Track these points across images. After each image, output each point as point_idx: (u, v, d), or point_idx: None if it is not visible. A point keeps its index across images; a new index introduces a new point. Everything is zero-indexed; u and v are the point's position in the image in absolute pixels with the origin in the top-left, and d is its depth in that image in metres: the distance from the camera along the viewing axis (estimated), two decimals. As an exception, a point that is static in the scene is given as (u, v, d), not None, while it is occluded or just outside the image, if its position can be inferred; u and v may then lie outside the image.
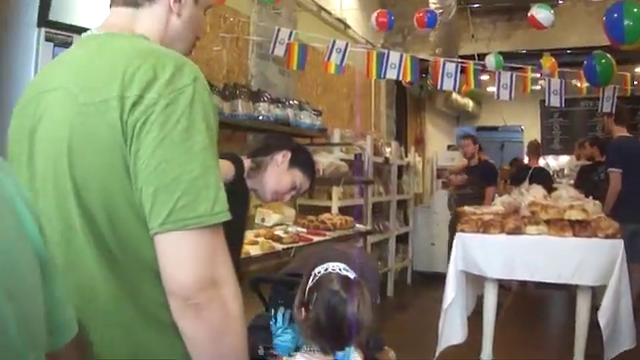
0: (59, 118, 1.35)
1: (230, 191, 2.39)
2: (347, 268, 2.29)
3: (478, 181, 7.91)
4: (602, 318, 4.00)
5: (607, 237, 4.16)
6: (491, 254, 4.34)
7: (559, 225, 4.27)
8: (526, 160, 9.41)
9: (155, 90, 1.27)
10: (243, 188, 2.70)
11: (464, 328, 4.61)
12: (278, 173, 2.72)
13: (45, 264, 0.93)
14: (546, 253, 4.23)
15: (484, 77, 8.44)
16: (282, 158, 2.71)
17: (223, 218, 1.30)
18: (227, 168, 2.42)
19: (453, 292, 4.35)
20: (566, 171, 12.16)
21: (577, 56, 8.17)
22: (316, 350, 2.18)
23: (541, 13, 6.00)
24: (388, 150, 8.52)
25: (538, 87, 7.45)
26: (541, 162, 9.88)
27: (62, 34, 2.95)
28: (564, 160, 13.58)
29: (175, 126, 1.26)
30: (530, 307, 7.34)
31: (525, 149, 9.77)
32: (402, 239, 9.26)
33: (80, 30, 2.90)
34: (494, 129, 15.80)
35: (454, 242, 4.45)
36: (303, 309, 2.18)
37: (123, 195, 1.30)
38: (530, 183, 6.68)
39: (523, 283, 7.05)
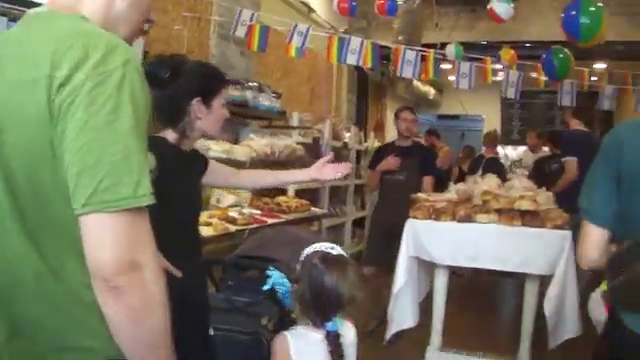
0: None
1: (167, 167, 2.40)
2: (333, 246, 2.46)
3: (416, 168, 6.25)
4: (547, 307, 4.09)
5: (556, 227, 4.22)
6: (441, 241, 4.39)
7: (509, 214, 4.33)
8: (483, 150, 9.51)
9: (84, 71, 1.26)
10: (181, 159, 2.67)
11: (415, 313, 4.67)
12: (207, 120, 2.67)
13: None
14: (495, 241, 4.30)
15: (446, 66, 8.50)
16: (197, 109, 2.63)
17: (146, 201, 1.30)
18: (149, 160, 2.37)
19: (403, 277, 4.40)
20: (524, 162, 12.35)
21: (537, 49, 8.28)
22: (310, 323, 2.39)
23: (501, 7, 6.08)
24: (347, 135, 8.54)
25: (499, 78, 7.53)
26: (500, 152, 10.05)
27: (16, 9, 2.93)
28: (522, 151, 13.81)
29: (101, 108, 1.25)
30: (482, 294, 7.45)
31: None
32: (358, 223, 9.30)
33: (33, 5, 2.88)
34: (455, 117, 15.96)
35: (405, 228, 4.49)
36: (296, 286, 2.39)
37: (49, 175, 1.30)
38: (483, 172, 6.78)
39: (477, 271, 7.13)
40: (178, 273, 2.27)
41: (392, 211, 5.62)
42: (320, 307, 2.37)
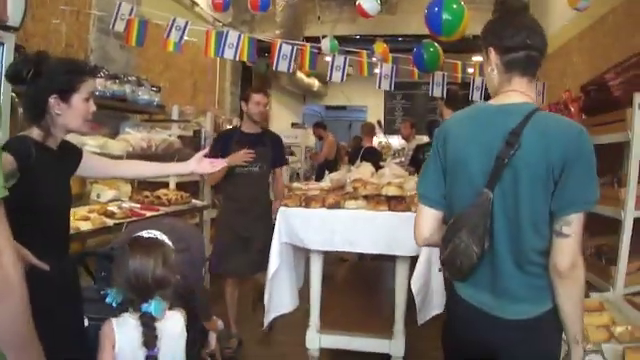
0: None
1: (32, 165, 2.48)
2: (153, 233, 2.59)
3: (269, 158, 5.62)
4: (414, 285, 4.28)
5: (420, 211, 4.47)
6: (312, 227, 4.54)
7: (376, 200, 4.55)
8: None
9: None
10: (47, 156, 2.71)
11: (293, 298, 4.80)
12: (67, 115, 2.72)
13: None
14: (363, 226, 4.49)
15: (328, 59, 8.72)
16: (56, 107, 2.69)
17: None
18: (5, 161, 2.38)
19: (276, 263, 4.51)
20: (407, 150, 12.79)
21: (413, 42, 8.64)
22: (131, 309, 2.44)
23: (367, 3, 6.33)
24: (229, 127, 8.62)
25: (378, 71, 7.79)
26: (378, 141, 10.41)
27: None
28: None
29: None
30: (363, 278, 7.64)
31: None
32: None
33: None
34: (342, 108, 16.26)
35: (277, 216, 4.62)
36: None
37: None
38: (362, 161, 7.05)
39: (361, 256, 7.35)
40: (45, 267, 2.36)
41: (247, 211, 5.38)
42: (131, 290, 2.43)
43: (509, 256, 2.22)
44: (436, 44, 6.61)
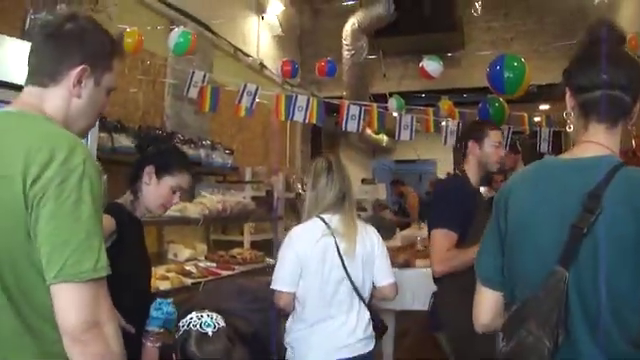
0: None
1: (124, 233, 2.66)
2: (210, 321, 2.49)
3: None
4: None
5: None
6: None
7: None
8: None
9: (52, 169, 1.58)
10: (134, 224, 2.89)
11: None
12: (152, 190, 2.88)
13: None
14: (432, 285, 4.52)
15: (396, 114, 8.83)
16: (148, 176, 2.87)
17: (104, 273, 1.63)
18: (108, 223, 2.55)
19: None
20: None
21: (478, 95, 8.68)
22: None
23: (431, 65, 6.47)
24: (300, 186, 8.79)
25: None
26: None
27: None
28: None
29: (67, 199, 1.58)
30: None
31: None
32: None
33: (2, 84, 3.10)
34: (411, 162, 16.28)
35: None
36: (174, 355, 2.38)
37: (23, 253, 1.61)
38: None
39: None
40: (131, 329, 2.47)
41: None
42: None
43: (591, 350, 1.73)
44: (501, 99, 6.66)
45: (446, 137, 6.79)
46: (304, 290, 3.23)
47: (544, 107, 11.00)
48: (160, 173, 2.87)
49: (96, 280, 1.61)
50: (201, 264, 5.42)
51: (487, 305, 2.00)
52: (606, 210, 1.69)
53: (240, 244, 6.65)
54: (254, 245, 6.68)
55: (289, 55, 9.72)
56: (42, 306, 1.62)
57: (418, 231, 5.28)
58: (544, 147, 7.30)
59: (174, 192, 2.93)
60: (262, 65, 9.40)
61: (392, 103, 7.35)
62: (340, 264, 3.21)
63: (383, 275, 3.41)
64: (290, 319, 3.35)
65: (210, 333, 2.36)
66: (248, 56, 8.94)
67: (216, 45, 7.92)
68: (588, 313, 1.72)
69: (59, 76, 1.81)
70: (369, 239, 3.37)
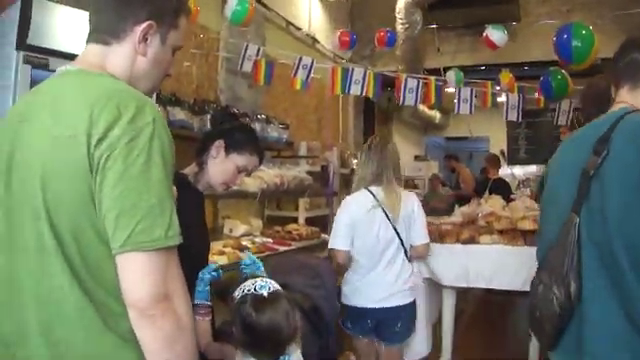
0: (34, 148, 1.53)
1: (185, 204, 2.57)
2: (264, 283, 2.29)
3: None
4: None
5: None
6: (447, 263, 4.50)
7: (511, 235, 4.48)
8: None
9: (119, 128, 1.45)
10: (194, 196, 2.81)
11: (429, 341, 4.70)
12: (218, 165, 2.79)
13: None
14: (499, 261, 4.42)
15: (450, 89, 8.65)
16: (216, 150, 2.78)
17: (176, 242, 1.50)
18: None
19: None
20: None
21: (537, 69, 8.44)
22: None
23: (495, 34, 6.27)
24: (355, 161, 8.69)
25: (501, 99, 7.64)
26: (507, 172, 10.10)
27: (39, 57, 3.11)
28: (530, 170, 13.94)
29: (135, 160, 1.45)
30: (490, 313, 7.49)
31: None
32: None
33: (56, 53, 3.08)
34: (463, 139, 16.07)
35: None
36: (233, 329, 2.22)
37: (88, 219, 1.48)
38: (490, 194, 6.92)
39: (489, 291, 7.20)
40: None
41: None
42: (263, 349, 2.18)
43: (609, 303, 1.68)
44: (563, 71, 6.44)
45: (507, 111, 6.60)
46: (358, 248, 3.85)
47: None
48: (229, 150, 2.79)
49: (167, 249, 1.48)
50: (257, 239, 5.36)
51: None
52: (612, 151, 1.75)
53: (295, 220, 6.58)
54: (308, 221, 6.60)
55: (341, 29, 9.56)
56: (107, 279, 1.50)
57: (478, 207, 5.08)
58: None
59: (239, 172, 2.84)
60: (314, 39, 9.26)
61: (451, 76, 7.17)
62: (389, 225, 3.82)
63: (419, 236, 3.94)
64: (348, 272, 3.96)
65: (266, 294, 2.17)
66: (299, 29, 8.80)
67: (268, 18, 7.80)
68: (605, 264, 1.69)
69: (123, 33, 1.68)
70: (410, 204, 3.91)
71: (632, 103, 1.92)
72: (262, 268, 2.49)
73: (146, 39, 1.70)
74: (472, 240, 4.52)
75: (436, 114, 13.79)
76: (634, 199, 1.66)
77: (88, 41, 1.72)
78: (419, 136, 15.64)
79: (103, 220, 1.46)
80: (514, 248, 4.42)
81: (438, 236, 4.60)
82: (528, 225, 4.46)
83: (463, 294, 7.43)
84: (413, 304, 3.95)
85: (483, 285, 4.56)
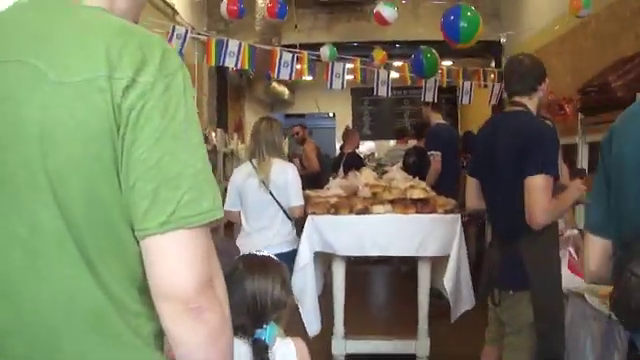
0: (23, 98, 1.13)
1: None
2: (265, 253, 2.34)
3: None
4: (447, 284, 4.35)
5: (446, 212, 4.57)
6: (343, 234, 4.56)
7: (403, 204, 4.61)
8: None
9: (149, 73, 1.12)
10: None
11: (318, 318, 4.68)
12: None
13: None
14: (393, 230, 4.55)
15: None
16: None
17: (222, 214, 1.20)
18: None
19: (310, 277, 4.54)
20: (376, 155, 12.79)
21: (396, 49, 8.80)
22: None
23: (387, 11, 6.39)
24: (214, 137, 8.58)
25: (350, 77, 7.69)
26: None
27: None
28: (373, 145, 14.49)
29: (175, 115, 1.13)
30: (361, 282, 7.56)
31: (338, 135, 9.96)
32: (228, 224, 9.30)
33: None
34: (302, 116, 16.22)
35: (307, 224, 4.57)
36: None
37: (110, 192, 1.14)
38: (344, 168, 7.11)
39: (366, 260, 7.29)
40: None
41: None
42: (246, 313, 2.14)
43: None
44: (433, 50, 6.72)
45: (377, 87, 6.79)
46: (245, 208, 4.59)
47: (446, 63, 11.16)
48: None
49: (208, 224, 1.16)
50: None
51: (597, 253, 1.90)
52: None
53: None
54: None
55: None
56: (124, 270, 1.18)
57: (355, 179, 5.15)
58: (466, 99, 7.52)
59: None
60: (174, 10, 8.98)
61: (324, 51, 7.23)
62: (266, 190, 4.47)
63: (294, 199, 4.51)
64: (241, 227, 4.66)
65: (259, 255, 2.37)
66: None
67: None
68: None
69: None
70: (284, 173, 4.53)
71: None
72: None
73: None
74: (366, 210, 4.61)
75: (285, 90, 13.88)
76: None
77: None
78: (267, 112, 15.68)
79: (129, 192, 1.12)
80: (407, 216, 4.55)
81: (332, 208, 4.64)
82: (418, 194, 4.62)
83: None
84: (293, 252, 4.48)
85: (379, 252, 4.67)
